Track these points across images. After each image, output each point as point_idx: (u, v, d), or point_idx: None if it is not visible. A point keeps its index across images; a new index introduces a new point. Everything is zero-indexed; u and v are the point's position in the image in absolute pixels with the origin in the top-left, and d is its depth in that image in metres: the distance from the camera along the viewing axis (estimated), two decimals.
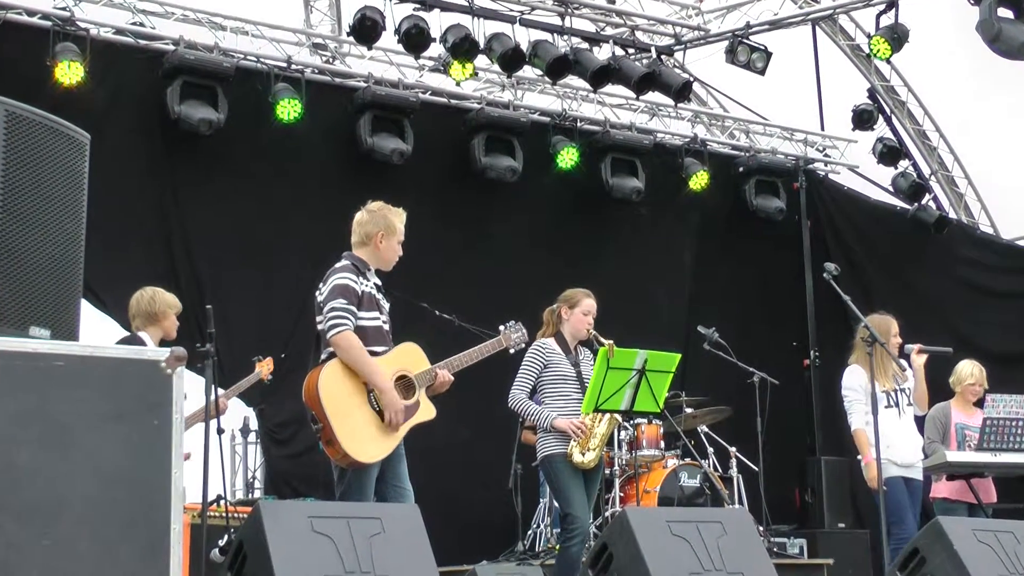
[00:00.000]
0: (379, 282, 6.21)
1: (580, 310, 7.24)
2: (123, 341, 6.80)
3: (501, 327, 6.75)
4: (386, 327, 6.11)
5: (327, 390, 5.82)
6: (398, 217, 6.23)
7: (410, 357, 6.13)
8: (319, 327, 5.98)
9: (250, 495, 10.61)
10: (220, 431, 6.32)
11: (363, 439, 5.84)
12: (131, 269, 9.32)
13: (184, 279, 9.63)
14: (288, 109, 9.94)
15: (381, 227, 6.15)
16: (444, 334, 8.62)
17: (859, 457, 7.68)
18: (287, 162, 10.25)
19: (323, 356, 5.98)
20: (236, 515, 7.49)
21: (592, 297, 7.32)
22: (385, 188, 10.47)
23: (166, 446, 3.81)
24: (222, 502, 7.36)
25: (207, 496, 5.44)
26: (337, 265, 6.10)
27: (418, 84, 11.02)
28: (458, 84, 11.07)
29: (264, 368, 8.06)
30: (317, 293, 6.05)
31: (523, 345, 6.85)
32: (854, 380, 7.66)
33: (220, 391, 7.90)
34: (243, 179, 10.09)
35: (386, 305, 6.19)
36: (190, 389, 9.34)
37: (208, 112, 9.58)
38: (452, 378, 6.18)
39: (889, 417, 7.55)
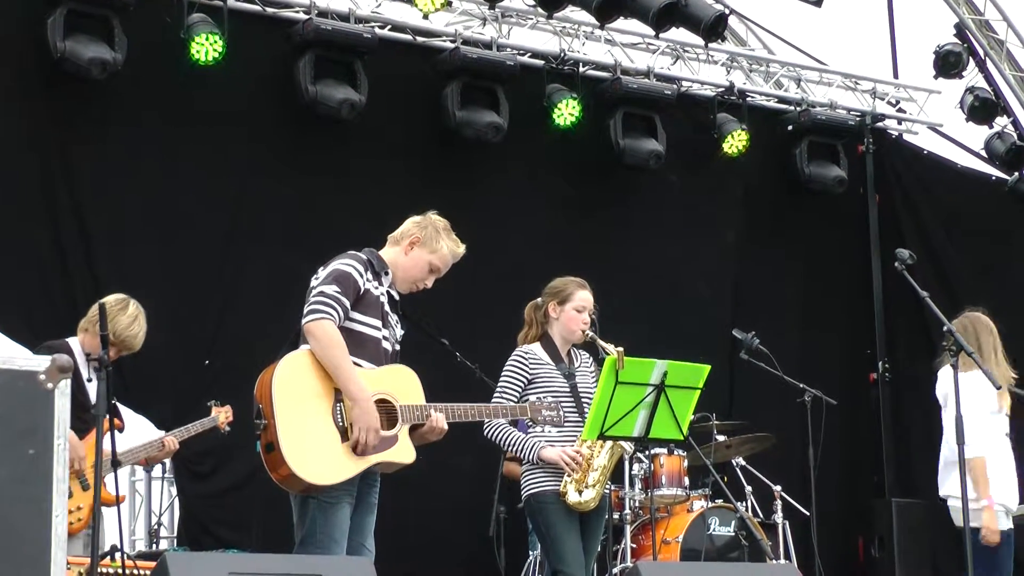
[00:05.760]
0: (396, 295, 6.38)
1: (572, 306, 7.26)
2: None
3: (532, 398, 6.90)
4: (387, 346, 6.26)
5: (283, 382, 5.91)
6: (451, 244, 6.44)
7: (402, 382, 6.23)
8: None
9: (154, 546, 10.58)
10: (116, 463, 6.33)
11: (312, 454, 5.91)
12: (5, 252, 9.30)
13: (74, 263, 9.60)
14: (206, 47, 9.92)
15: (421, 235, 6.37)
16: (443, 366, 8.64)
17: (979, 499, 7.44)
18: (205, 116, 10.22)
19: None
20: (136, 571, 7.50)
21: (587, 288, 7.34)
22: (331, 150, 10.55)
23: (44, 482, 3.80)
24: (118, 555, 7.35)
25: (97, 547, 5.43)
26: (350, 251, 6.30)
27: (374, 17, 11.01)
28: (426, 17, 11.06)
29: (222, 415, 8.26)
30: (314, 277, 6.23)
31: (552, 427, 6.94)
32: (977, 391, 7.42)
33: (157, 430, 8.10)
34: (148, 138, 10.06)
35: (397, 330, 6.36)
36: (133, 421, 9.48)
37: (101, 50, 9.53)
38: (446, 427, 6.27)
39: (1005, 449, 7.59)
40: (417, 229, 6.40)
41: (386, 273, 6.32)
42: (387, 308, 6.27)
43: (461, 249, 6.49)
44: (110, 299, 7.40)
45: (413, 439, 6.18)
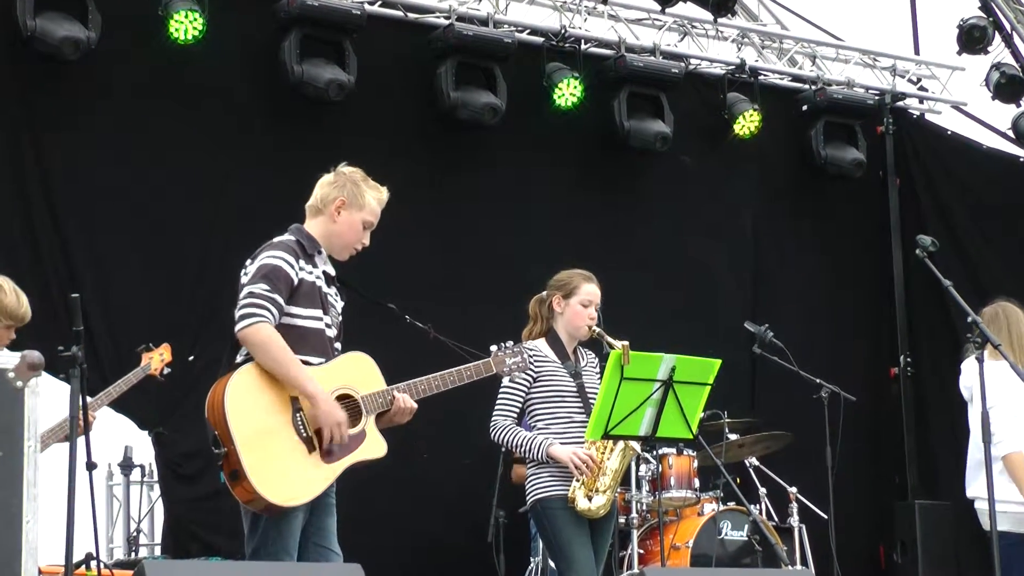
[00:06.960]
0: (332, 271, 6.28)
1: (577, 300, 7.23)
2: None
3: (493, 347, 6.78)
4: (331, 333, 6.17)
5: (236, 403, 5.83)
6: (374, 192, 6.31)
7: (359, 372, 6.16)
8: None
9: (133, 554, 10.59)
10: (91, 465, 6.29)
11: (281, 474, 5.85)
12: None
13: (48, 255, 9.57)
14: (185, 25, 9.89)
15: (344, 195, 6.23)
16: (412, 347, 8.61)
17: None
18: (185, 98, 10.21)
19: (238, 359, 6.02)
20: None
21: (594, 281, 7.31)
22: (319, 132, 10.51)
23: (14, 486, 3.80)
24: (94, 564, 7.34)
25: (72, 556, 5.42)
26: (275, 239, 6.17)
27: None
28: None
29: (155, 359, 8.02)
30: (243, 274, 6.11)
31: (520, 374, 6.89)
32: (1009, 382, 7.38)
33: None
34: (125, 121, 10.03)
35: (338, 305, 6.27)
36: (113, 420, 9.11)
37: (74, 29, 9.51)
38: (415, 406, 6.19)
39: None
40: (337, 191, 6.22)
41: (319, 252, 6.19)
42: (325, 290, 6.16)
43: (384, 194, 6.34)
44: None
45: (381, 424, 6.11)
